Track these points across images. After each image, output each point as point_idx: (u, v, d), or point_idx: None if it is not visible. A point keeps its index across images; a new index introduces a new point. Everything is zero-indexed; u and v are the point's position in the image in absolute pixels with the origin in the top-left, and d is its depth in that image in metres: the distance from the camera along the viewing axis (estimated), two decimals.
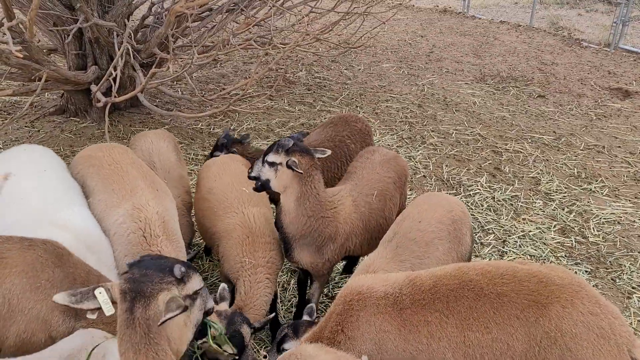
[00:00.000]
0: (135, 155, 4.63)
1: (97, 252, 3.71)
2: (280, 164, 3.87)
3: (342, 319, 3.13)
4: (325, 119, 8.82)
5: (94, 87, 7.00)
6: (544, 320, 2.74)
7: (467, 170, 7.50)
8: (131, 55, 6.90)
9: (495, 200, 6.82)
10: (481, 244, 5.93)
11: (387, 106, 9.57)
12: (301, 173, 3.84)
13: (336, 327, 3.14)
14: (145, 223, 3.78)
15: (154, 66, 6.44)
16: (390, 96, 10.03)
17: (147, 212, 3.82)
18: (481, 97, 10.24)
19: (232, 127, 8.33)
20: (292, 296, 5.11)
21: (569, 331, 2.69)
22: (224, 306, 3.67)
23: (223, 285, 3.82)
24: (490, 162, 7.78)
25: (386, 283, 3.16)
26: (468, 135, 8.59)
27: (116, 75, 6.42)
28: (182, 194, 4.87)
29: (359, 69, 11.39)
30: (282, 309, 4.91)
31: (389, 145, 8.07)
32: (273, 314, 3.98)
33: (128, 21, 7.19)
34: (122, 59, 6.36)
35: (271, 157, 3.90)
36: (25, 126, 8.06)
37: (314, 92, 9.99)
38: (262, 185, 4.03)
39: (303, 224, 4.05)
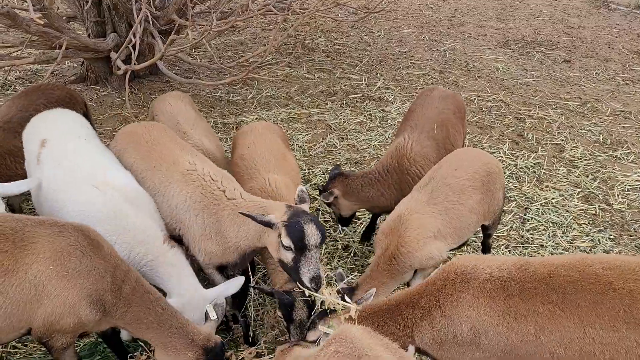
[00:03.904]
0: (163, 120, 5.02)
1: (139, 206, 3.88)
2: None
3: (441, 295, 3.07)
4: (345, 86, 8.74)
5: (113, 55, 6.98)
6: None
7: (489, 137, 7.39)
8: (150, 22, 6.85)
9: (518, 167, 6.73)
10: (503, 211, 5.87)
11: (407, 73, 9.42)
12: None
13: (434, 301, 3.09)
14: (199, 180, 3.95)
15: (172, 33, 6.38)
16: (410, 62, 9.86)
17: (196, 171, 4.01)
18: (504, 63, 10.00)
19: (250, 95, 8.29)
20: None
21: None
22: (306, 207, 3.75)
23: (301, 187, 3.92)
24: (513, 129, 7.65)
25: (492, 265, 3.06)
26: (490, 101, 8.43)
27: (135, 42, 6.39)
28: (215, 141, 5.11)
29: (379, 35, 11.18)
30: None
31: None
32: None
33: None
34: (140, 26, 6.31)
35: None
36: None
37: (334, 58, 9.86)
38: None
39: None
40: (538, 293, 2.85)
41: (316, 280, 3.40)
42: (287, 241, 3.40)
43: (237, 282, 3.80)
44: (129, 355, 3.86)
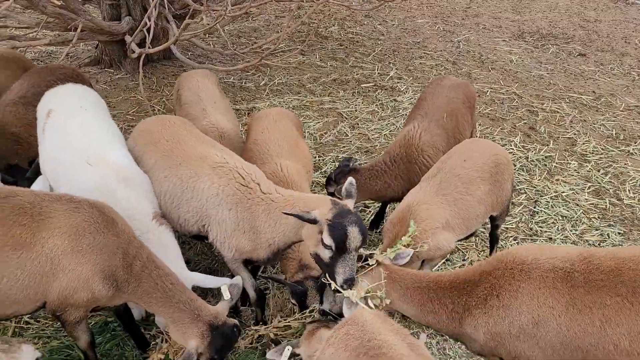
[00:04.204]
0: (186, 98, 5.19)
1: (132, 183, 3.91)
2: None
3: (499, 284, 3.02)
4: (357, 75, 8.72)
5: (128, 38, 7.03)
6: None
7: (501, 129, 7.36)
8: (165, 6, 6.88)
9: (529, 160, 6.71)
10: (512, 203, 5.87)
11: (420, 63, 9.38)
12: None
13: (490, 290, 3.05)
14: (232, 173, 3.89)
15: (187, 17, 6.40)
16: (424, 53, 9.81)
17: (228, 164, 3.95)
18: (518, 55, 9.93)
19: (263, 82, 8.31)
20: None
21: None
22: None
23: (350, 180, 3.81)
24: (525, 121, 7.62)
25: (553, 256, 3.02)
26: (503, 94, 8.39)
27: (150, 26, 6.43)
28: (233, 121, 5.19)
29: (393, 25, 11.13)
30: None
31: None
32: None
33: None
34: (155, 10, 6.35)
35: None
36: None
37: (347, 47, 9.84)
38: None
39: None
40: (605, 285, 2.82)
41: (349, 283, 3.35)
42: (329, 241, 3.34)
43: (224, 281, 3.85)
44: (152, 343, 3.92)
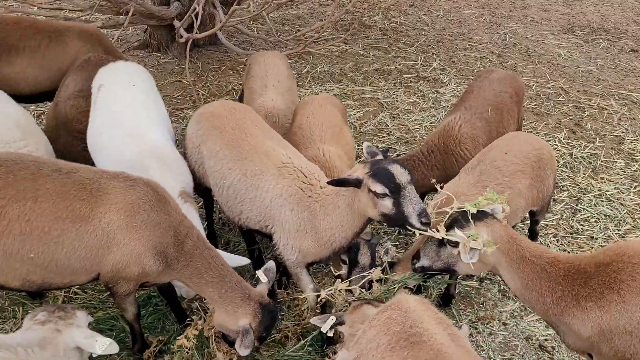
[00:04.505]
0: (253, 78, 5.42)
1: (165, 162, 4.10)
2: None
3: (619, 278, 2.92)
4: (399, 65, 8.68)
5: (176, 23, 7.19)
6: None
7: (545, 124, 7.22)
8: None
9: (573, 157, 6.58)
10: (554, 200, 5.78)
11: (464, 55, 9.25)
12: None
13: (609, 284, 2.94)
14: (296, 173, 3.87)
15: (234, 4, 6.51)
16: (469, 44, 9.67)
17: (293, 164, 3.93)
18: (567, 49, 9.67)
19: (305, 70, 8.37)
20: None
21: None
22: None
23: (367, 143, 3.90)
24: (570, 117, 7.45)
25: None
26: (549, 88, 8.21)
27: (198, 11, 6.57)
28: (289, 104, 5.32)
29: (438, 15, 10.99)
30: None
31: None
32: None
33: None
34: None
35: None
36: None
37: (390, 37, 9.78)
38: None
39: None
40: None
41: (424, 215, 3.33)
42: (380, 188, 3.33)
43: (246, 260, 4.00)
44: (187, 319, 4.07)
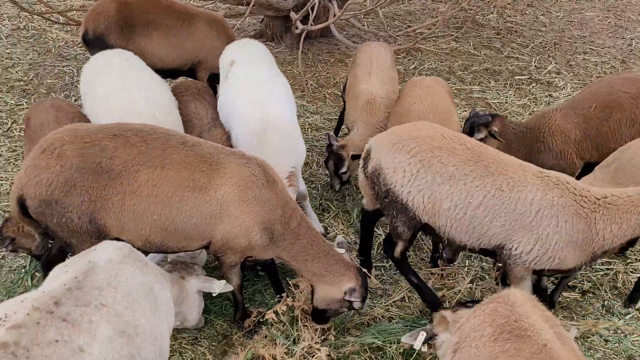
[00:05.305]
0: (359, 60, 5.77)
1: (285, 141, 4.48)
2: None
3: None
4: (512, 66, 8.41)
5: (293, 15, 7.46)
6: None
7: None
8: None
9: None
10: None
11: (584, 59, 8.77)
12: None
13: None
14: (562, 184, 3.63)
15: None
16: (589, 48, 9.14)
17: (551, 175, 3.71)
18: None
19: (412, 66, 8.36)
20: None
21: None
22: None
23: None
24: None
25: None
26: None
27: (314, 4, 6.80)
28: (389, 93, 5.53)
29: (558, 16, 10.47)
30: None
31: None
32: None
33: None
34: None
35: None
36: None
37: (503, 36, 9.48)
38: None
39: None
40: None
41: None
42: None
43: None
44: (277, 296, 4.32)
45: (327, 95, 7.49)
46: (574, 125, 4.89)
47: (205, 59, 5.94)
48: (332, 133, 5.64)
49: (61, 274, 2.59)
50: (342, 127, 6.24)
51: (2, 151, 5.97)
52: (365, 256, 4.66)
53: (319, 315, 3.96)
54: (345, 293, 3.77)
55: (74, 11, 7.91)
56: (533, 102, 7.48)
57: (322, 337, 3.98)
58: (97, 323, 2.30)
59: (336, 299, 3.82)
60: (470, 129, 5.15)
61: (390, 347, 3.94)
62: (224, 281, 3.71)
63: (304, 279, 4.06)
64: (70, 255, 3.67)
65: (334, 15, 7.25)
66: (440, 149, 3.72)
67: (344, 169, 5.26)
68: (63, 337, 2.13)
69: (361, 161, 4.13)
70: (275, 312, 3.98)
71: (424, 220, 3.82)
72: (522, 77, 8.12)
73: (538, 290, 4.40)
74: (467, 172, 3.63)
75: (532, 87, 7.86)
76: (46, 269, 3.97)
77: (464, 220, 3.68)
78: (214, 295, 3.80)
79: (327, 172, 5.65)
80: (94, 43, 5.63)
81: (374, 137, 4.16)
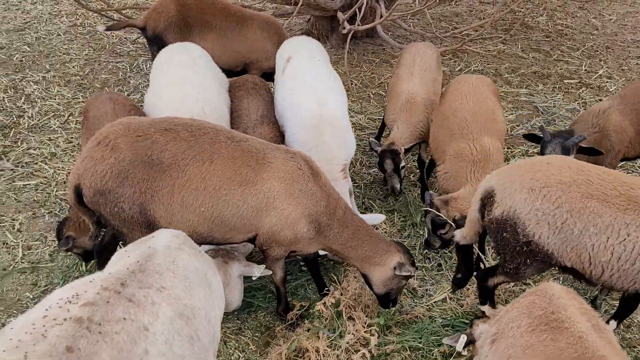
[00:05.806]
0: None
1: (339, 136, 4.63)
2: None
3: None
4: (561, 69, 8.25)
5: (340, 15, 7.53)
6: None
7: None
8: None
9: None
10: None
11: (637, 63, 8.53)
12: None
13: None
14: None
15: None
16: None
17: None
18: None
19: (458, 68, 8.29)
20: None
21: None
22: None
23: None
24: None
25: None
26: None
27: (362, 4, 6.84)
28: (430, 95, 5.56)
29: (610, 19, 10.19)
30: None
31: None
32: None
33: None
34: None
35: None
36: None
37: (553, 39, 9.30)
38: None
39: None
40: None
41: None
42: None
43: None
44: (325, 289, 4.41)
45: (372, 96, 7.52)
46: (629, 122, 4.83)
47: (256, 61, 6.15)
48: (372, 139, 5.65)
49: (123, 258, 2.73)
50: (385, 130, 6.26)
51: (60, 142, 6.25)
52: (468, 272, 4.31)
53: (385, 300, 4.11)
54: (394, 269, 3.93)
55: (128, 9, 8.20)
56: (582, 106, 7.31)
57: (365, 331, 4.02)
58: (159, 304, 2.42)
59: (389, 277, 3.97)
60: (564, 150, 4.69)
61: (431, 349, 4.00)
62: (264, 265, 3.93)
63: (353, 268, 4.23)
64: (122, 244, 3.83)
65: (381, 16, 7.27)
66: (591, 198, 3.25)
67: (403, 162, 5.26)
68: (130, 316, 2.25)
69: (478, 201, 3.70)
70: (324, 304, 4.07)
71: (568, 266, 3.45)
72: (572, 81, 7.95)
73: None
74: (628, 222, 3.20)
75: (582, 91, 7.69)
76: (99, 255, 4.17)
77: (623, 268, 3.27)
78: (253, 279, 4.04)
79: (378, 172, 5.72)
80: (152, 41, 5.86)
81: (494, 174, 3.68)
